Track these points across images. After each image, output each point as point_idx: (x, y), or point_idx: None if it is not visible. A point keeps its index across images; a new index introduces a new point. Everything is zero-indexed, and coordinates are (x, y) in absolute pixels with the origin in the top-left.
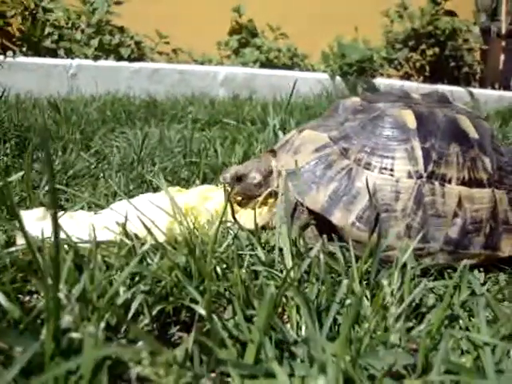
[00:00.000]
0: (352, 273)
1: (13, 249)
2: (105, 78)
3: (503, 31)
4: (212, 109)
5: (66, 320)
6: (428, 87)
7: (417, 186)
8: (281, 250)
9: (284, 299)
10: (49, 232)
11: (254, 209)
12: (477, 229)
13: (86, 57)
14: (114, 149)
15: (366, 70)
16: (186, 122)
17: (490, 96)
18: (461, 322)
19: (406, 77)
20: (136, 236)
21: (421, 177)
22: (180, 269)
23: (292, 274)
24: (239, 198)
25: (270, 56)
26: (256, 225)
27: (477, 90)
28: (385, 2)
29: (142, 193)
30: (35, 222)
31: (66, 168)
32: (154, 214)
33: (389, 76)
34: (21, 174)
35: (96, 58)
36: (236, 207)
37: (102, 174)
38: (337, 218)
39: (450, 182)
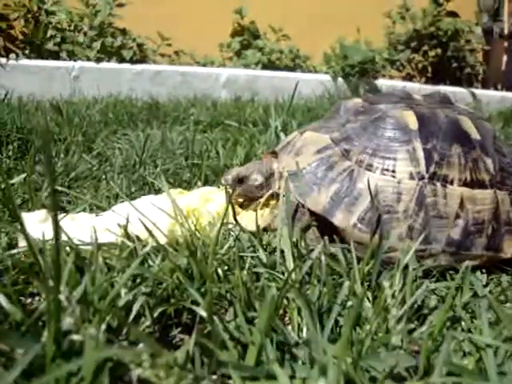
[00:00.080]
0: (353, 274)
1: (15, 251)
2: (107, 81)
3: (506, 32)
4: (214, 111)
5: (67, 322)
6: (430, 88)
7: (418, 188)
8: (282, 251)
9: (285, 301)
10: (50, 234)
11: (255, 211)
12: (479, 230)
13: (89, 59)
14: (116, 151)
15: (368, 71)
16: (188, 124)
17: (493, 97)
18: (463, 323)
19: (408, 78)
20: (138, 238)
21: (422, 178)
22: (181, 271)
23: (293, 275)
24: (241, 200)
25: (272, 58)
26: (257, 226)
27: (479, 91)
28: (387, 3)
29: (143, 195)
30: (37, 224)
31: (68, 170)
32: (156, 215)
33: (391, 77)
34: (23, 176)
35: (98, 60)
36: (237, 209)
37: (104, 176)
38: (338, 219)
39: (451, 183)
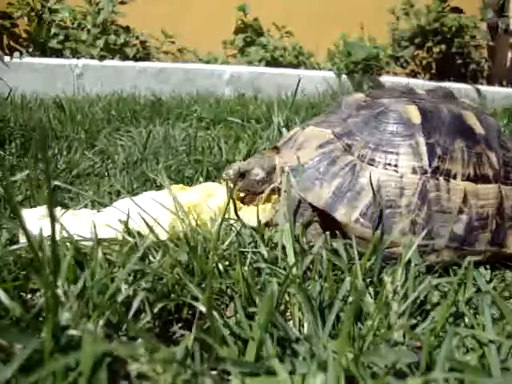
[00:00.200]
0: (355, 270)
1: (15, 247)
2: (110, 78)
3: (511, 27)
4: (217, 107)
5: (65, 317)
6: (434, 85)
7: (421, 182)
8: (284, 247)
9: (287, 297)
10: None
11: (257, 206)
12: (483, 225)
13: (92, 57)
14: (119, 148)
15: (372, 68)
16: (191, 121)
17: (498, 93)
18: (466, 319)
19: (413, 74)
20: (139, 234)
21: (425, 172)
22: (182, 266)
23: (294, 270)
24: (242, 195)
25: (276, 55)
26: (259, 222)
27: (484, 88)
28: (390, 0)
29: (145, 191)
30: (38, 220)
31: (71, 167)
32: (157, 211)
33: (395, 74)
34: (25, 173)
35: (102, 57)
36: (239, 204)
37: (106, 173)
38: (340, 214)
39: (455, 177)
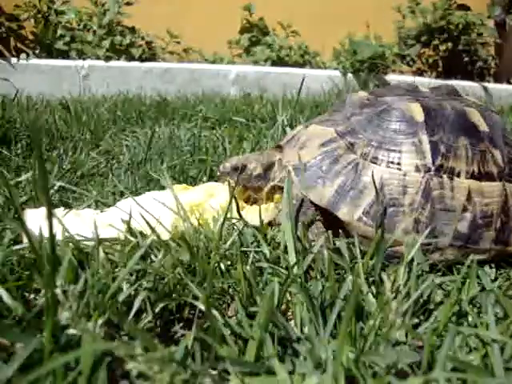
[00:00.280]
0: (357, 269)
1: (19, 247)
2: (116, 79)
3: None
4: (222, 107)
5: (65, 316)
6: (441, 83)
7: (425, 180)
8: (286, 246)
9: (289, 296)
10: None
11: (259, 205)
12: (487, 223)
13: (98, 58)
14: (124, 148)
15: (378, 66)
16: (196, 121)
17: (505, 91)
18: (469, 318)
19: (419, 73)
20: (141, 233)
21: (429, 170)
22: (183, 266)
23: (295, 270)
24: (245, 195)
25: (281, 54)
26: (261, 221)
27: (491, 85)
28: None
29: (149, 191)
30: (42, 220)
31: (76, 167)
32: (160, 211)
33: (401, 72)
34: (30, 174)
35: (107, 58)
36: (242, 203)
37: (110, 173)
38: (343, 212)
39: (458, 175)
